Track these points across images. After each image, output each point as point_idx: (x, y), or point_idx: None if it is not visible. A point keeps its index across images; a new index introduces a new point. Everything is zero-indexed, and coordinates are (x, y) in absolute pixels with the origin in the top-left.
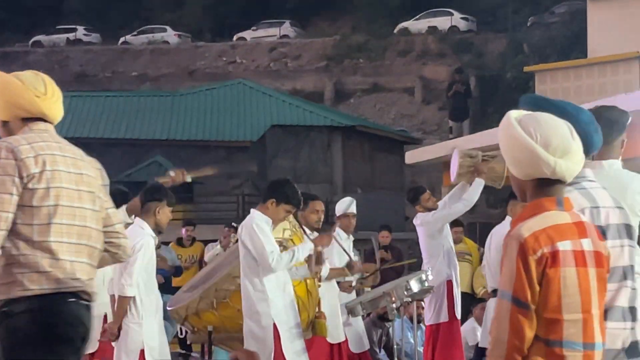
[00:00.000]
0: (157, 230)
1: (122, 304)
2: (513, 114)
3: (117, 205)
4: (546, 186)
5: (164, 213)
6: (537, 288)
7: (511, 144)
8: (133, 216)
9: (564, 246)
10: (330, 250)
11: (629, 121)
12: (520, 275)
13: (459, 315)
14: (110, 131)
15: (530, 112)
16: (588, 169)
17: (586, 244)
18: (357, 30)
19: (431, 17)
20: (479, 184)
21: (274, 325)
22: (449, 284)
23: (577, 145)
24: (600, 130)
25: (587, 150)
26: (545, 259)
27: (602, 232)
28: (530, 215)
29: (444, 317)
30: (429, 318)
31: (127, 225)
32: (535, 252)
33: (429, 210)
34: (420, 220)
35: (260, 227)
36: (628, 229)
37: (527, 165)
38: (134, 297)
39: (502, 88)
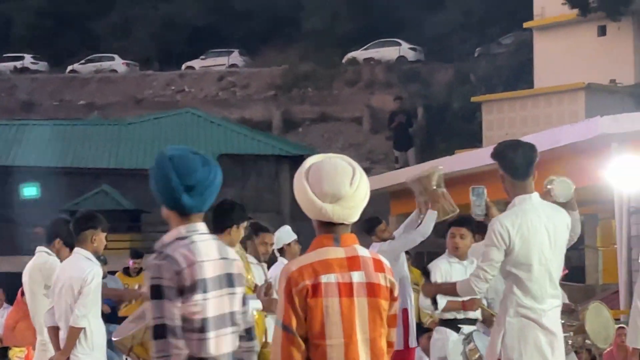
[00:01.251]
0: (96, 258)
1: (73, 335)
2: (308, 161)
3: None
4: (327, 225)
5: (100, 240)
6: (302, 316)
7: (297, 189)
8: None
9: (328, 279)
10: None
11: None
12: (287, 305)
13: (413, 343)
14: (57, 160)
15: (321, 160)
16: (200, 223)
17: (356, 277)
18: (305, 59)
19: (379, 47)
20: (432, 216)
21: None
22: (405, 312)
23: (352, 191)
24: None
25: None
26: (306, 290)
27: (204, 285)
28: (312, 250)
29: (397, 345)
30: None
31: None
32: (297, 284)
33: (384, 240)
34: (376, 249)
35: None
36: (229, 278)
37: (308, 209)
38: (84, 328)
39: (449, 118)
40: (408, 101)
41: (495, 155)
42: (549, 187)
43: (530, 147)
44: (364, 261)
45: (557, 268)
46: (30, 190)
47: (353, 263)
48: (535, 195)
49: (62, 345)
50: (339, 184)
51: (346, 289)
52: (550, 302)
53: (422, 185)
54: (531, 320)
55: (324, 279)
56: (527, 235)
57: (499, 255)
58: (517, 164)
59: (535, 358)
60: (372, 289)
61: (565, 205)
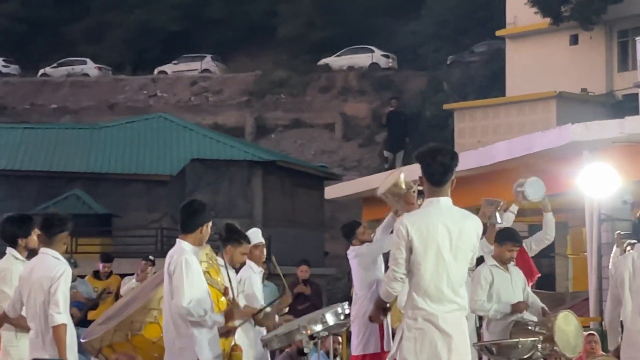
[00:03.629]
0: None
1: (58, 335)
2: None
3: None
4: None
5: (67, 242)
6: None
7: None
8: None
9: None
10: (251, 283)
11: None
12: None
13: (388, 347)
14: (28, 163)
15: None
16: None
17: None
18: (279, 65)
19: (352, 54)
20: None
21: None
22: None
23: None
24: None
25: None
26: None
27: None
28: None
29: (373, 348)
30: (355, 347)
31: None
32: None
33: (364, 243)
34: (354, 252)
35: (189, 264)
36: None
37: None
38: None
39: (421, 126)
40: (380, 108)
41: (417, 159)
42: (519, 189)
43: (450, 153)
44: None
45: (458, 272)
46: None
47: None
48: (445, 200)
49: (33, 346)
50: None
51: None
52: (449, 306)
53: (394, 194)
54: (429, 322)
55: None
56: (426, 235)
57: (402, 252)
58: (434, 171)
59: (431, 359)
60: None
61: (538, 205)
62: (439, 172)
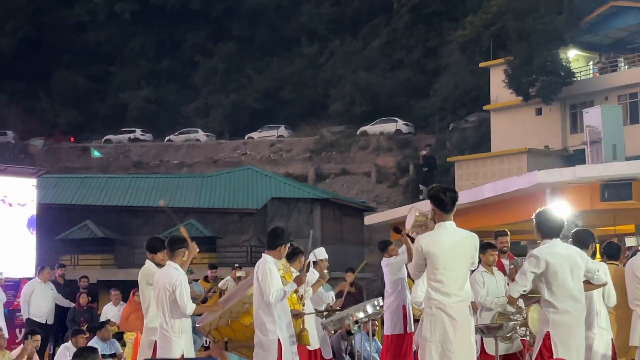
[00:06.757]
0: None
1: (200, 309)
2: None
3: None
4: None
5: (185, 256)
6: None
7: None
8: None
9: None
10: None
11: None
12: None
13: (410, 329)
14: (158, 201)
15: None
16: None
17: None
18: (331, 132)
19: (382, 123)
20: None
21: (278, 339)
22: (404, 307)
23: None
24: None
25: None
26: None
27: None
28: None
29: (398, 330)
30: (386, 328)
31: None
32: None
33: (392, 256)
34: (386, 262)
35: (271, 270)
36: None
37: None
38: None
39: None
40: (403, 161)
41: (430, 196)
42: None
43: (454, 191)
44: None
45: (461, 274)
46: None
47: None
48: (450, 223)
49: (149, 339)
50: None
51: None
52: (455, 298)
53: (418, 227)
54: (440, 310)
55: None
56: (437, 249)
57: (419, 259)
58: (446, 203)
59: (441, 336)
60: None
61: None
62: (449, 203)
